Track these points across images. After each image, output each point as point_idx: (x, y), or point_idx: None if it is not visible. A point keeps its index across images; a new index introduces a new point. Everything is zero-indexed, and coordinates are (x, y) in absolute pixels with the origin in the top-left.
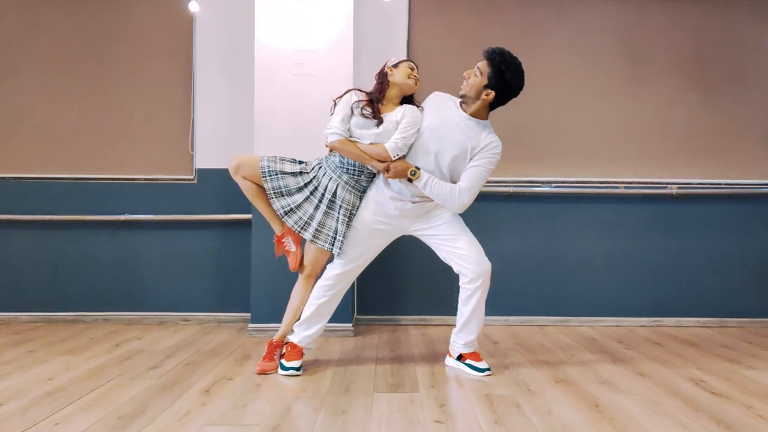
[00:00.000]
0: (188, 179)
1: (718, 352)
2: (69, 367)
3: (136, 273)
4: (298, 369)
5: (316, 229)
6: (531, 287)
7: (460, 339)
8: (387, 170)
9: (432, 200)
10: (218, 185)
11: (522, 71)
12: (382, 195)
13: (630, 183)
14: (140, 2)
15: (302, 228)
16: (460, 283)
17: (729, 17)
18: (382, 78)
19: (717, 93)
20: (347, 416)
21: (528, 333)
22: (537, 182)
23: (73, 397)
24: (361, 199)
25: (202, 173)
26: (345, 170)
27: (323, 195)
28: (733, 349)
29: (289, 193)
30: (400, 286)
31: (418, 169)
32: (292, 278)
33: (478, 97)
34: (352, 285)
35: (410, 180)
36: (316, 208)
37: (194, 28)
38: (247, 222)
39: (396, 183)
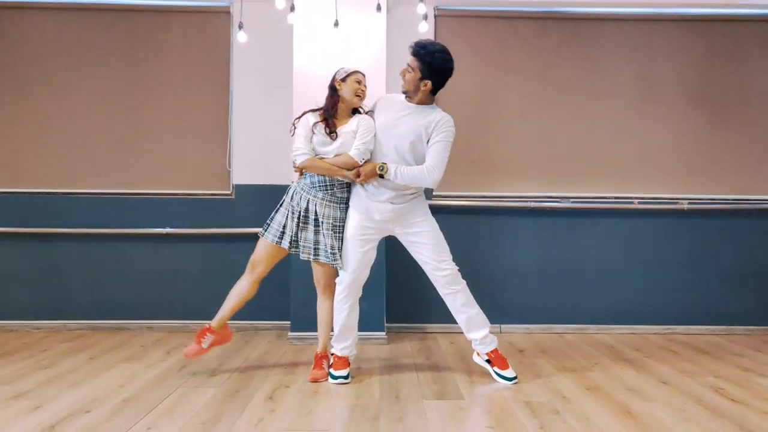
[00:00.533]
0: (226, 194)
1: (731, 360)
2: (134, 375)
3: (176, 283)
4: (346, 377)
5: (314, 248)
6: (551, 297)
7: (476, 339)
8: (358, 175)
9: (410, 201)
10: (254, 200)
11: (446, 53)
12: (362, 201)
13: (643, 198)
14: (179, 22)
15: (301, 251)
16: (440, 294)
17: (737, 39)
18: (333, 92)
19: (725, 112)
20: (406, 423)
21: (549, 340)
22: (556, 198)
23: (151, 404)
24: (341, 209)
25: (239, 188)
26: (318, 188)
27: (307, 217)
28: (744, 356)
29: (285, 226)
30: (426, 295)
31: (385, 163)
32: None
33: (417, 89)
34: (382, 294)
35: (381, 176)
36: (304, 229)
37: (232, 48)
38: None
39: (370, 186)
